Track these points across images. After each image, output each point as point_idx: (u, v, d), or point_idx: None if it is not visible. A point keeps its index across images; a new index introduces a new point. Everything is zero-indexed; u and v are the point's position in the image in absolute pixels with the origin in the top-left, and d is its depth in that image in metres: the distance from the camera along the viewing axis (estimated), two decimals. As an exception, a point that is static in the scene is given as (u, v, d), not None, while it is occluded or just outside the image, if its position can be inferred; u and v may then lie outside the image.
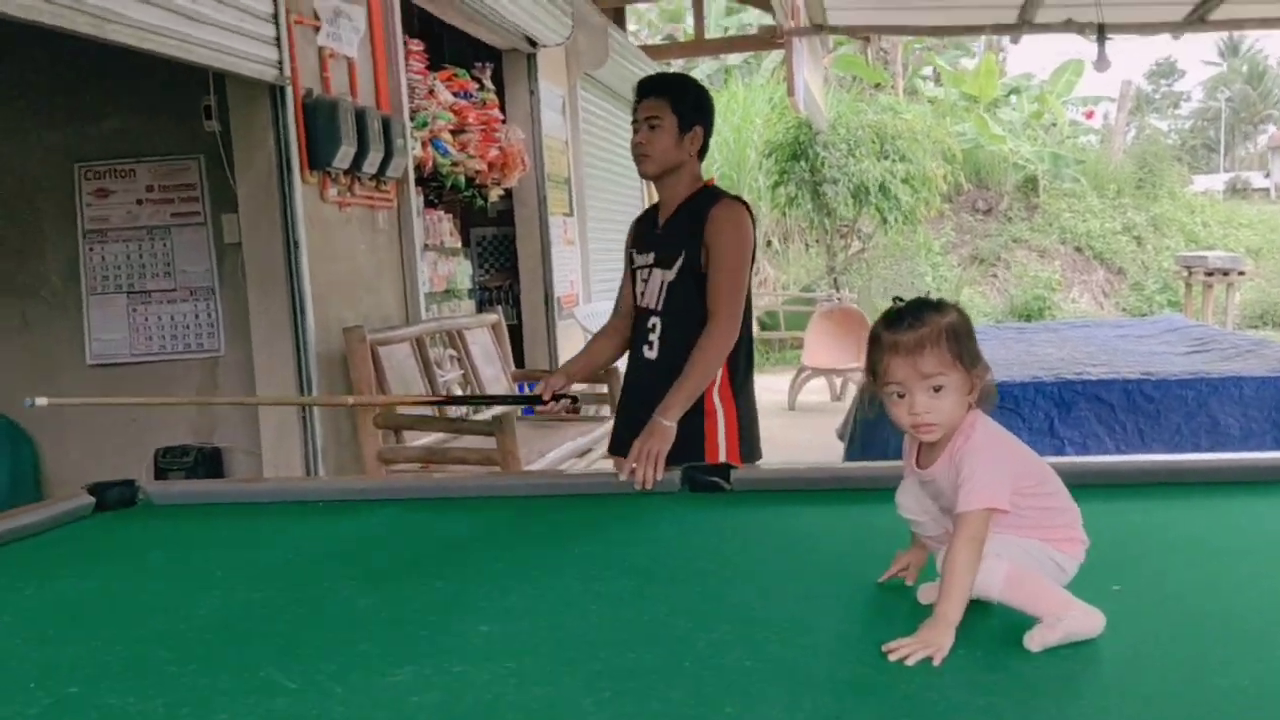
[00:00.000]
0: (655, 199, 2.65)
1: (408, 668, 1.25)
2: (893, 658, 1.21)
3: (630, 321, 2.64)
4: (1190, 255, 11.28)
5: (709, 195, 2.55)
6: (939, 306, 1.36)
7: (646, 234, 2.62)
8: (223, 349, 4.38)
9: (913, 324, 1.33)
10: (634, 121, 2.56)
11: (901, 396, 1.34)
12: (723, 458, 2.45)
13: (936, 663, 1.19)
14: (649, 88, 2.57)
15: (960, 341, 1.33)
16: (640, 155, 2.54)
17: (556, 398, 2.47)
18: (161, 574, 1.72)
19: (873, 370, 1.38)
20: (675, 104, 2.50)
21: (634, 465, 2.13)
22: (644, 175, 2.60)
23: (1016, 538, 1.33)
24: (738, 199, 2.57)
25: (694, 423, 2.44)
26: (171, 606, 1.53)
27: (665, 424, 2.28)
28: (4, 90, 4.40)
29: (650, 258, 2.56)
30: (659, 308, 2.53)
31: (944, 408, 1.33)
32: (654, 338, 2.54)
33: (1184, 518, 1.80)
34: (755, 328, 11.83)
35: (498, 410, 3.90)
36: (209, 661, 1.30)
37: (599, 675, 1.20)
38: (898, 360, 1.33)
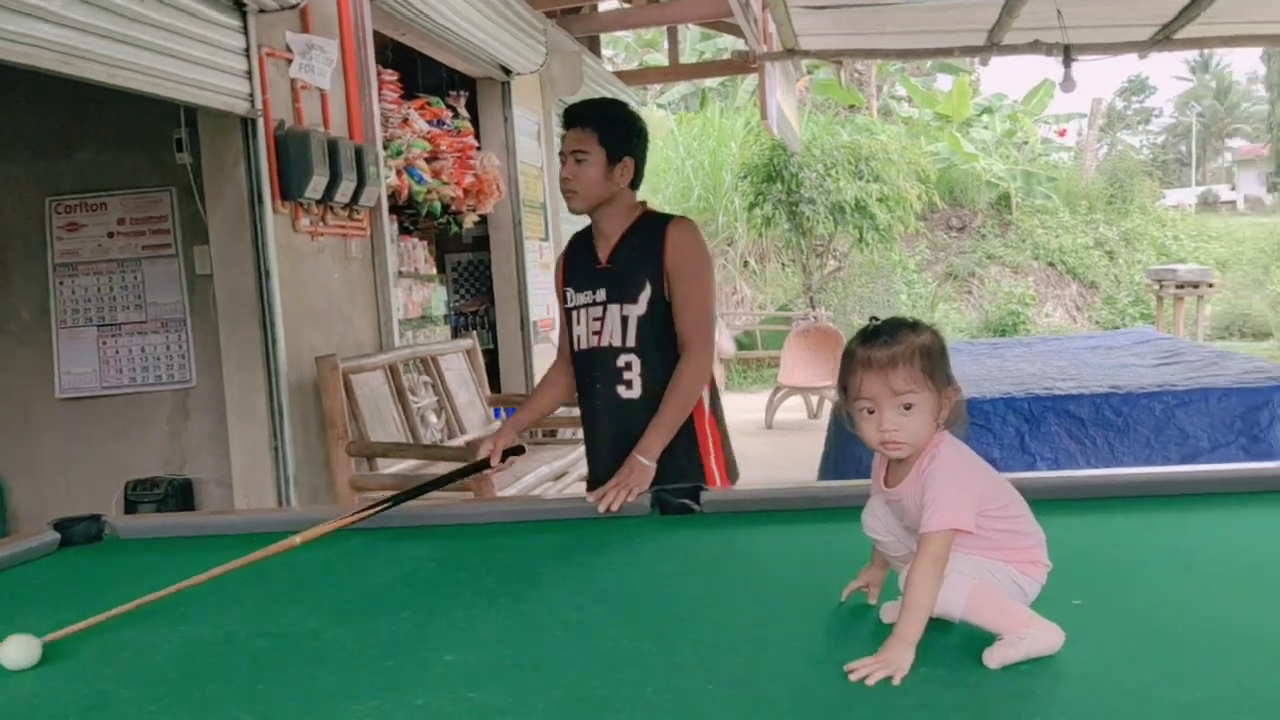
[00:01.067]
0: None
1: (370, 702, 1.24)
2: (853, 678, 1.22)
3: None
4: (1161, 269, 11.42)
5: (655, 219, 2.45)
6: (914, 326, 1.37)
7: (584, 270, 2.48)
8: (194, 380, 4.35)
9: (887, 341, 1.34)
10: (561, 153, 2.43)
11: (871, 413, 1.35)
12: (718, 483, 2.42)
13: (896, 682, 1.20)
14: (574, 118, 2.42)
15: (933, 361, 1.34)
16: (568, 191, 2.41)
17: (505, 455, 2.33)
18: (125, 611, 1.70)
19: (844, 386, 1.39)
20: (603, 137, 2.37)
21: (607, 493, 2.12)
22: (573, 211, 2.46)
23: (980, 558, 1.34)
24: (685, 217, 2.47)
25: (692, 454, 2.41)
26: (134, 644, 1.52)
27: (645, 463, 2.23)
28: (-27, 126, 4.40)
29: (598, 294, 2.44)
30: (632, 344, 2.40)
31: (913, 426, 1.34)
32: (631, 376, 2.41)
33: (1147, 531, 1.82)
34: (732, 347, 11.79)
35: (471, 436, 3.89)
36: (171, 700, 1.30)
37: (562, 704, 1.20)
38: (870, 376, 1.34)
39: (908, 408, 1.33)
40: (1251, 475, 2.06)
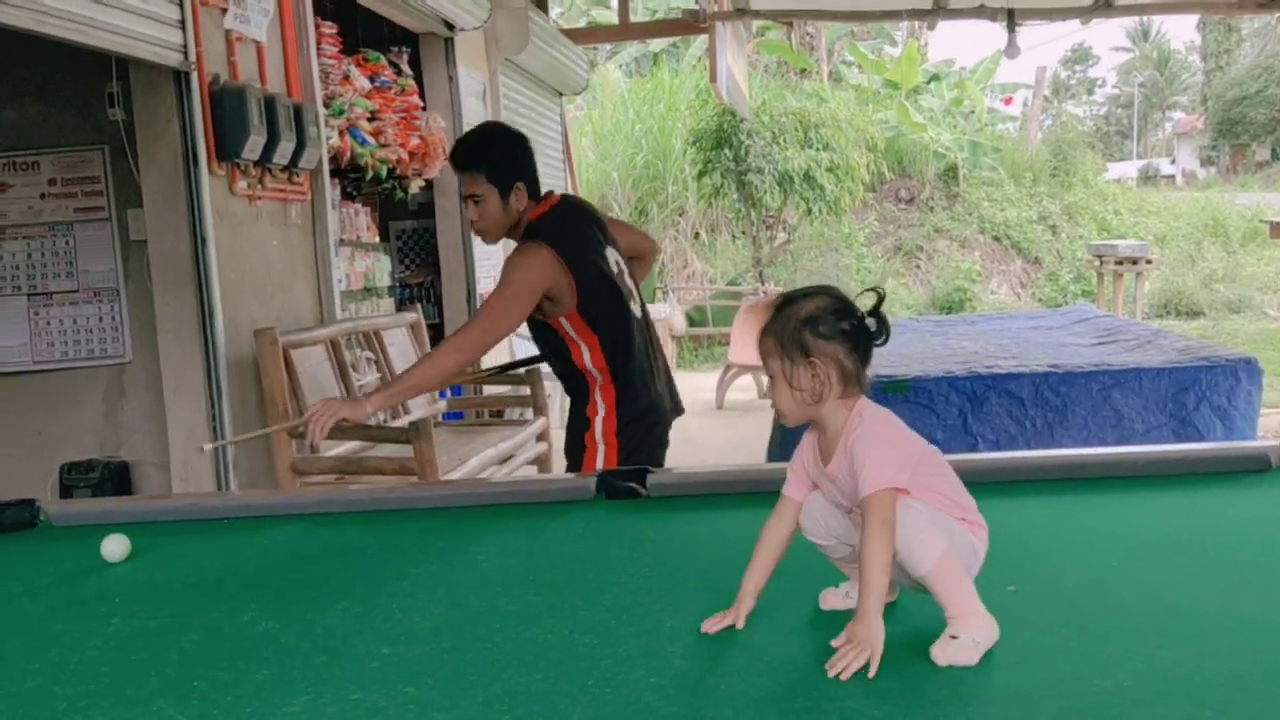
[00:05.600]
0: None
1: (304, 697, 1.22)
2: (831, 673, 1.20)
3: None
4: (1101, 244, 11.58)
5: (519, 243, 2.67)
6: (802, 296, 1.37)
7: None
8: (129, 354, 4.19)
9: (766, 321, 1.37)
10: (460, 193, 2.73)
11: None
12: None
13: (874, 664, 1.19)
14: (458, 163, 2.68)
15: (788, 331, 1.33)
16: (478, 231, 2.69)
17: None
18: (57, 601, 1.66)
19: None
20: (489, 174, 2.61)
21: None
22: (490, 244, 2.77)
23: (942, 513, 1.32)
24: (537, 235, 2.61)
25: (575, 457, 2.66)
26: (65, 637, 1.49)
27: (366, 406, 2.45)
28: (-109, 81, 4.19)
29: None
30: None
31: (779, 400, 1.36)
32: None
33: (1079, 514, 1.84)
34: (683, 323, 11.57)
35: (415, 417, 3.83)
36: (100, 696, 1.27)
37: (499, 698, 1.20)
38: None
39: (772, 379, 1.36)
40: (1179, 457, 2.11)
